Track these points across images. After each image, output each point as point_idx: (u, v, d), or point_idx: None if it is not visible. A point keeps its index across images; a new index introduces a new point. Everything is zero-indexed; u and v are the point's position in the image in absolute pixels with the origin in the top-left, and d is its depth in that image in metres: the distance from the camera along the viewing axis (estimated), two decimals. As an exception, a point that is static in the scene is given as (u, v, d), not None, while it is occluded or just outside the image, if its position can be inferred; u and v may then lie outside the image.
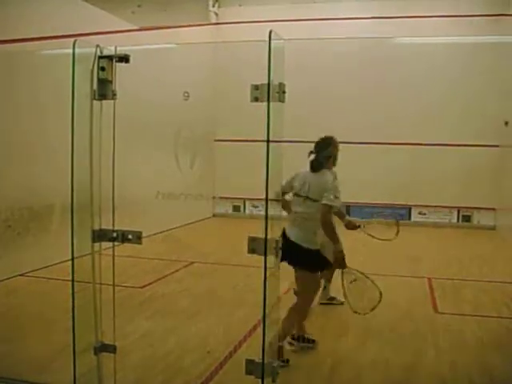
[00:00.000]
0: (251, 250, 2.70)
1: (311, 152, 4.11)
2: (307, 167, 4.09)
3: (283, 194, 3.97)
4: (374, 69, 11.18)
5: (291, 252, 3.69)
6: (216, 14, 12.46)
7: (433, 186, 11.20)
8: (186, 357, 3.95)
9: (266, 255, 2.64)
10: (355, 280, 3.86)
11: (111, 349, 3.06)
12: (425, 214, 11.79)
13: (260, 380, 2.75)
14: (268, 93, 2.56)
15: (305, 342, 4.18)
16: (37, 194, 6.51)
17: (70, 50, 2.77)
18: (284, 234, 3.86)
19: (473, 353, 4.15)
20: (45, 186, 6.43)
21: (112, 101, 2.93)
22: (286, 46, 2.60)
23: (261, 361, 2.73)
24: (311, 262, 3.88)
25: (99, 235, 2.99)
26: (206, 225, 11.24)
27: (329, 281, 5.26)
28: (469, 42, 10.89)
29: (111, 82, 2.92)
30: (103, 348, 3.07)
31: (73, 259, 2.89)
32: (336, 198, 3.86)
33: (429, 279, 6.55)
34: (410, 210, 11.83)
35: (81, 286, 2.95)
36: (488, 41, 10.68)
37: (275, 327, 2.82)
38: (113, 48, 2.94)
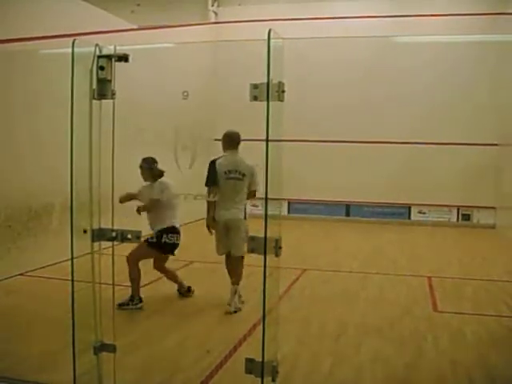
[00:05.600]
0: (251, 250, 2.70)
1: None
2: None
3: None
4: (373, 68, 11.18)
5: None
6: (215, 14, 12.46)
7: (432, 185, 11.19)
8: (185, 356, 3.95)
9: (265, 254, 2.64)
10: None
11: (111, 348, 3.06)
12: (424, 212, 11.78)
13: (260, 379, 2.76)
14: (267, 92, 2.56)
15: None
16: (36, 193, 6.51)
17: (70, 50, 2.77)
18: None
19: (472, 351, 4.15)
20: (44, 185, 6.43)
21: (111, 100, 2.93)
22: (286, 45, 2.60)
23: (260, 360, 2.74)
24: None
25: (99, 234, 2.99)
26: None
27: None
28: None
29: (110, 81, 2.92)
30: (103, 347, 3.07)
31: (72, 259, 2.89)
32: None
33: (429, 278, 6.55)
34: (409, 208, 11.83)
35: (80, 285, 2.96)
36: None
37: (275, 326, 2.82)
38: (112, 47, 2.93)
